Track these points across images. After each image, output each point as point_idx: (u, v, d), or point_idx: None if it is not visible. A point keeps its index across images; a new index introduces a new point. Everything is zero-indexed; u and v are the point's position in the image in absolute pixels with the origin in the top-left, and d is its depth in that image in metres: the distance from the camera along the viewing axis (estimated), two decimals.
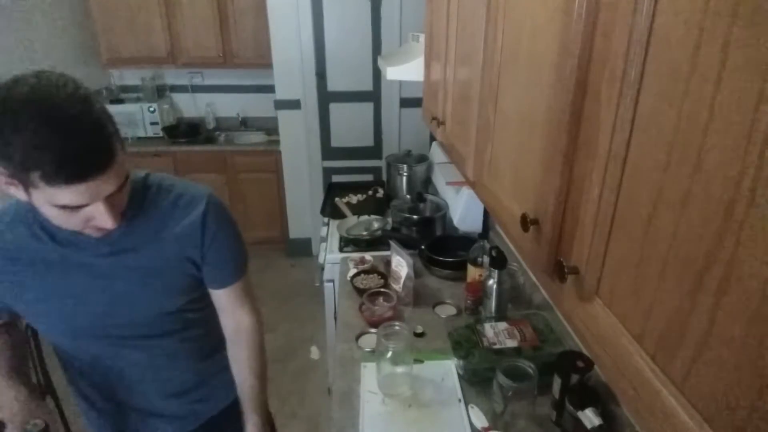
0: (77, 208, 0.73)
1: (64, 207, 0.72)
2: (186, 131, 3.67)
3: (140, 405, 1.04)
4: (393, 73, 1.77)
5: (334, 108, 3.38)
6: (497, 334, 1.30)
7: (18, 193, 0.74)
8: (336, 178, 3.44)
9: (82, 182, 0.70)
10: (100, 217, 0.76)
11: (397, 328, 1.27)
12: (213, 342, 1.08)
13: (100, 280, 0.89)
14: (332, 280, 1.94)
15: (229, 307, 1.05)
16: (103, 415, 1.05)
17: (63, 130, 0.67)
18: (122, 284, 0.90)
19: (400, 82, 3.22)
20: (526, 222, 0.76)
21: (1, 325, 0.95)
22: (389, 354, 1.21)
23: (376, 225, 2.08)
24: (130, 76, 3.76)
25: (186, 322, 1.00)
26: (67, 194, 0.70)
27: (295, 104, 3.33)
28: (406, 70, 1.79)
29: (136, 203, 0.89)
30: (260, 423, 1.05)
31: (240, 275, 1.04)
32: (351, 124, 3.43)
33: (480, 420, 1.15)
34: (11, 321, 0.98)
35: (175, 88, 3.87)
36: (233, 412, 1.09)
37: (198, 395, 1.08)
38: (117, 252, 0.89)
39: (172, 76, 3.80)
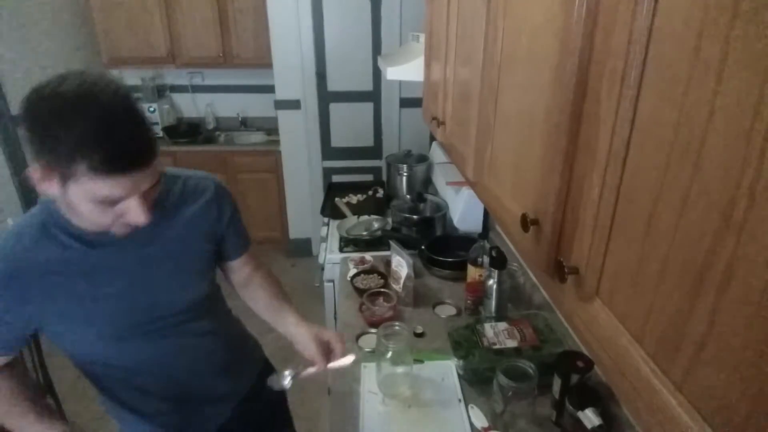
0: (113, 202, 0.75)
1: (101, 201, 0.74)
2: (186, 131, 3.67)
3: (196, 388, 1.06)
4: (393, 73, 1.77)
5: (334, 108, 3.37)
6: (497, 334, 1.30)
7: (51, 187, 0.74)
8: (336, 178, 3.43)
9: (125, 175, 0.72)
10: (134, 212, 0.77)
11: (397, 328, 1.27)
12: (233, 317, 1.20)
13: (134, 275, 0.90)
14: (332, 280, 1.94)
15: (243, 268, 1.15)
16: (154, 416, 1.04)
17: (111, 125, 0.71)
18: (155, 275, 0.92)
19: (400, 82, 3.22)
20: (526, 222, 0.76)
21: (5, 365, 0.91)
22: (389, 354, 1.21)
23: (376, 225, 2.08)
24: (130, 76, 3.76)
25: (215, 301, 1.10)
26: (108, 187, 0.72)
27: (295, 104, 3.33)
28: (406, 70, 1.79)
29: None
30: (299, 318, 1.11)
31: (250, 242, 1.16)
32: (351, 124, 3.43)
33: (480, 420, 1.15)
34: (16, 357, 0.95)
35: (175, 88, 3.87)
36: (257, 392, 1.16)
37: (235, 370, 1.14)
38: (142, 245, 0.90)
39: (172, 76, 3.80)
